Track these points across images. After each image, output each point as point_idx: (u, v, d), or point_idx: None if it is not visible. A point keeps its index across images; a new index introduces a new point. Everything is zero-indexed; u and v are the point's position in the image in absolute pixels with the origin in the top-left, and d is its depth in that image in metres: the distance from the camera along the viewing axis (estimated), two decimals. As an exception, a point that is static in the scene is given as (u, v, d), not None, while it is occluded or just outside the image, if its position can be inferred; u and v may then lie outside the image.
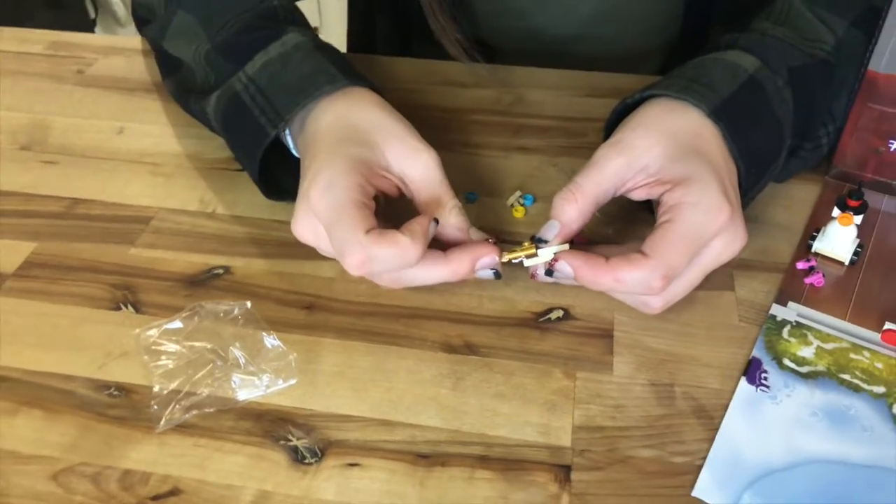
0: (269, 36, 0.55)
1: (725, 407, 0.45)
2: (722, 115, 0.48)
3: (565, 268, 0.45)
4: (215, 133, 0.59)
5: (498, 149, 0.64)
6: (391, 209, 0.50)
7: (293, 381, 0.46)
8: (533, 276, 0.48)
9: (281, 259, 0.54)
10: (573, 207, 0.46)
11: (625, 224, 0.56)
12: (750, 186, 0.50)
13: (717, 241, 0.44)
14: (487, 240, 0.48)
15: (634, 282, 0.43)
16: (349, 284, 0.52)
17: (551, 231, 0.47)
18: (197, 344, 0.46)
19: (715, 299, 0.51)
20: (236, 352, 0.46)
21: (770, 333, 0.48)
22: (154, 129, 0.67)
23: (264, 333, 0.47)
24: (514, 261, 0.47)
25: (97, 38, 0.79)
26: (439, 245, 0.47)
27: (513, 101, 0.70)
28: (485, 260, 0.46)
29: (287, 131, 0.53)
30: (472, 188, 0.60)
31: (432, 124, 0.67)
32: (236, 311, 0.48)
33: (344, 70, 0.52)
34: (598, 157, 0.47)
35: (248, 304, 0.49)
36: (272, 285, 0.53)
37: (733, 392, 0.46)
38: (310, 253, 0.52)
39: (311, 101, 0.51)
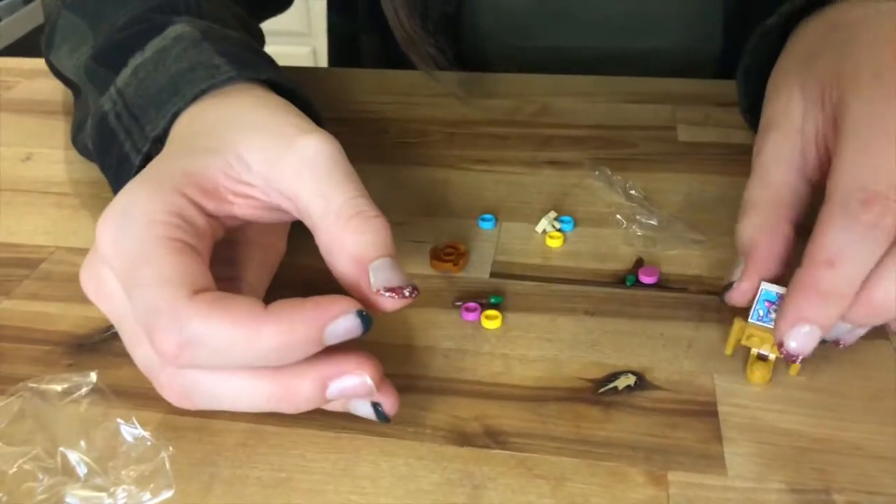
0: (151, 30, 0.38)
1: (927, 528, 0.27)
2: None
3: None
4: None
5: (520, 164, 0.48)
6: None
7: (168, 495, 0.28)
8: (789, 357, 0.30)
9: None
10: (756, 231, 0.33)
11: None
12: None
13: None
14: (395, 291, 0.29)
15: None
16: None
17: (736, 270, 0.33)
18: (10, 449, 0.28)
19: (864, 352, 0.34)
20: (72, 455, 0.28)
21: (968, 403, 0.31)
22: (69, 154, 0.51)
23: (120, 420, 0.29)
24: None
25: (23, 61, 0.65)
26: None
27: (536, 110, 0.54)
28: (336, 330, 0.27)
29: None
30: (489, 211, 0.43)
31: (433, 139, 0.51)
32: (84, 390, 0.31)
33: (237, 61, 0.35)
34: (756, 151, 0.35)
35: (93, 375, 0.31)
36: (196, 348, 0.35)
37: (934, 501, 0.27)
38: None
39: (184, 106, 0.34)
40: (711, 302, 0.36)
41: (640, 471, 0.29)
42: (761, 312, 0.32)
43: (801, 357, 0.29)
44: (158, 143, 0.34)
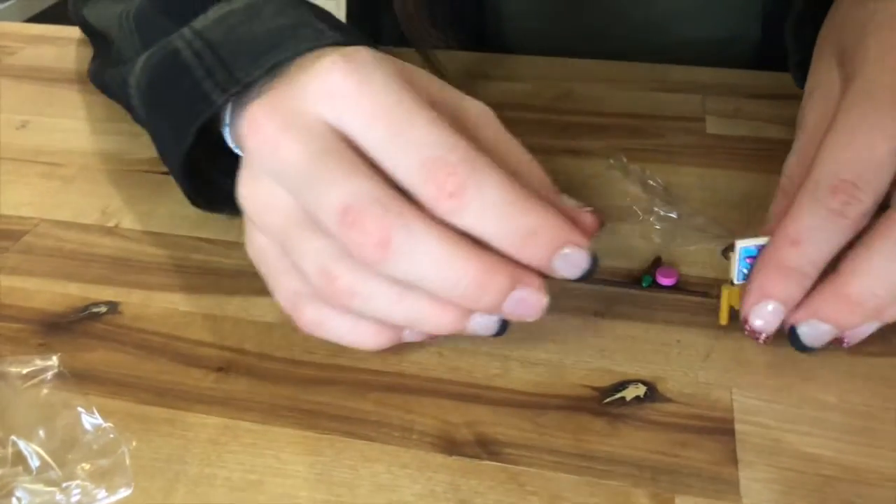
0: None
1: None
2: None
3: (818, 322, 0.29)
4: (136, 118, 0.41)
5: (535, 151, 0.44)
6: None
7: (125, 493, 0.26)
8: (753, 334, 0.30)
9: (197, 294, 0.35)
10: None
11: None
12: None
13: None
14: (590, 212, 0.30)
15: None
16: (295, 335, 0.32)
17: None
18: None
19: (892, 368, 0.30)
20: (24, 445, 0.26)
21: None
22: (66, 123, 0.49)
23: (81, 409, 0.27)
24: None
25: (27, 26, 0.63)
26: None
27: (557, 95, 0.51)
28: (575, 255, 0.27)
29: (228, 114, 0.34)
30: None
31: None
32: (49, 375, 0.29)
33: (337, 26, 0.34)
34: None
35: (55, 359, 0.29)
36: (175, 332, 0.33)
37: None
38: (239, 285, 0.33)
39: (286, 61, 0.31)
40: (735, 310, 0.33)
41: (644, 492, 0.26)
42: (745, 271, 0.30)
43: (764, 335, 0.29)
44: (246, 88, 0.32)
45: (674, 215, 0.38)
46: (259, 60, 0.32)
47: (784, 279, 0.28)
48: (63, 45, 0.59)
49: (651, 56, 0.56)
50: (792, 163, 0.34)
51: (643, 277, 0.35)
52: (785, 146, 0.45)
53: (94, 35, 0.46)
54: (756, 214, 0.39)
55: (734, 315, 0.31)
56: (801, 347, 0.29)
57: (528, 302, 0.27)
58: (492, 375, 0.31)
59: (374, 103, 0.26)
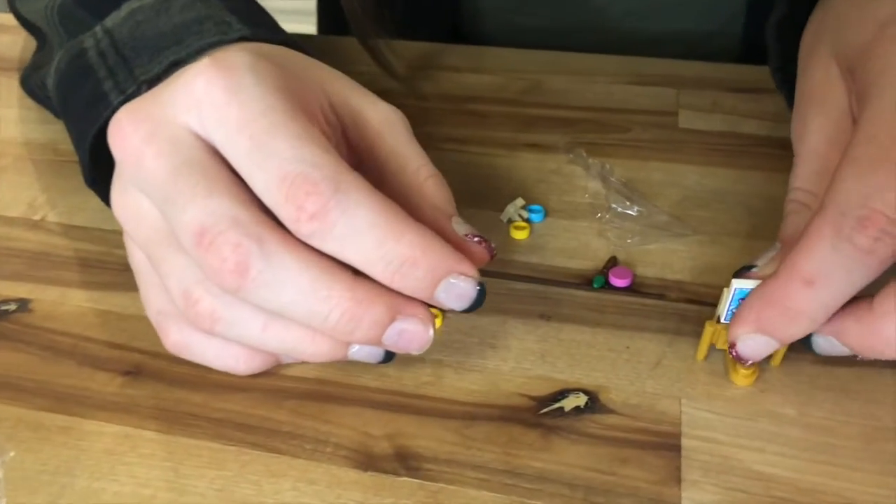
0: None
1: None
2: None
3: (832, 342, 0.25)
4: (58, 117, 0.39)
5: (496, 145, 0.43)
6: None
7: None
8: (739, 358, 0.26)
9: (114, 292, 0.33)
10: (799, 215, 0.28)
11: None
12: None
13: None
14: (482, 241, 0.27)
15: None
16: (213, 336, 0.29)
17: (766, 255, 0.28)
18: None
19: (869, 382, 0.28)
20: None
21: None
22: (9, 113, 0.47)
23: None
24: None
25: (-12, 15, 0.61)
26: None
27: (526, 88, 0.49)
28: (462, 286, 0.24)
29: None
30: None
31: (408, 115, 0.46)
32: None
33: (249, 19, 0.31)
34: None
35: None
36: (86, 333, 0.31)
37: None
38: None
39: (187, 57, 0.29)
40: (691, 312, 0.31)
41: (576, 514, 0.24)
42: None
43: (751, 361, 0.26)
44: (145, 87, 0.30)
45: (632, 212, 0.35)
46: (158, 56, 0.30)
47: (789, 322, 0.24)
48: (15, 32, 0.57)
49: (633, 50, 0.53)
50: (801, 180, 0.30)
51: (595, 278, 0.32)
52: (760, 142, 0.43)
53: (31, 29, 0.44)
54: (726, 212, 0.37)
55: (713, 351, 0.29)
56: (810, 349, 0.26)
57: (410, 334, 0.24)
58: (422, 383, 0.28)
59: (239, 113, 0.23)
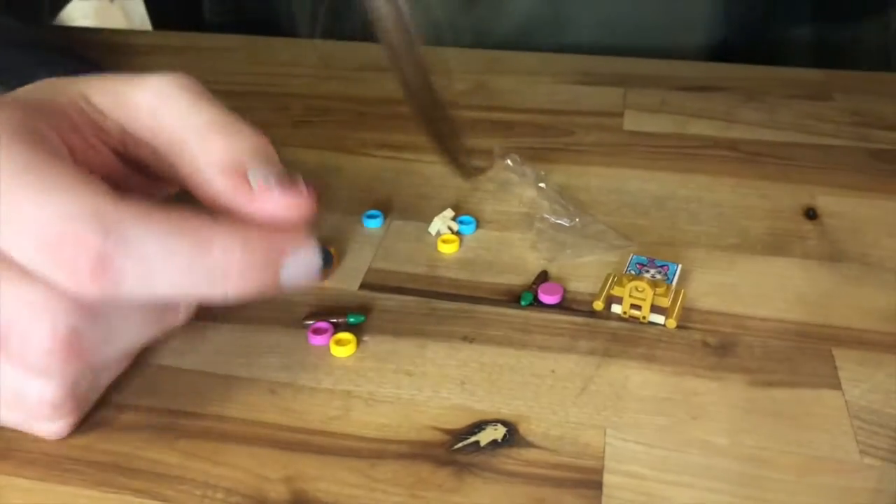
0: None
1: None
2: None
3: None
4: None
5: (428, 152, 0.41)
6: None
7: None
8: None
9: None
10: None
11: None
12: None
13: None
14: (290, 185, 0.23)
15: None
16: (105, 369, 0.27)
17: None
18: None
19: (807, 405, 0.26)
20: None
21: (938, 484, 0.23)
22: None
23: None
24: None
25: None
26: None
27: (467, 89, 0.47)
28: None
29: None
30: (379, 206, 0.36)
31: (339, 119, 0.44)
32: None
33: None
34: None
35: None
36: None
37: None
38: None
39: None
40: (623, 331, 0.29)
41: (485, 564, 0.22)
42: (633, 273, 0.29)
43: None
44: None
45: (564, 222, 0.33)
46: None
47: None
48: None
49: (595, 49, 0.51)
50: None
51: (523, 295, 0.30)
52: (707, 143, 0.41)
53: None
54: (668, 220, 0.35)
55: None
56: None
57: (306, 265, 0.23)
58: (329, 418, 0.26)
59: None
